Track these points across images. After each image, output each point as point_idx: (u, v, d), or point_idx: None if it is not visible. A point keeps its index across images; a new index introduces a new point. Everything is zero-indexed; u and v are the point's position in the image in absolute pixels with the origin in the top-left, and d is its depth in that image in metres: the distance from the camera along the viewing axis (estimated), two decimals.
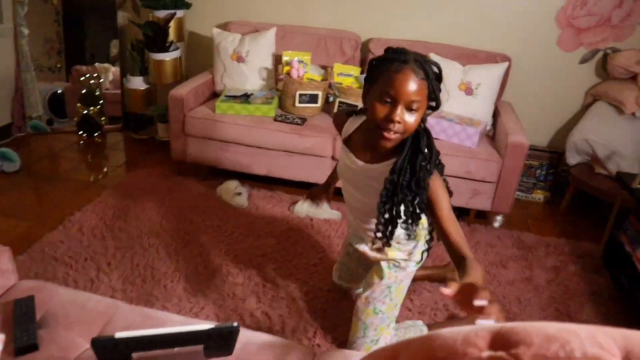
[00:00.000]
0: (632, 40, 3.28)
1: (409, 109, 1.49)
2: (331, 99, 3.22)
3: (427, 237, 1.79)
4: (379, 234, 1.66)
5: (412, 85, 1.46)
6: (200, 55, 3.90)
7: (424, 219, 1.81)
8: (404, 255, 1.92)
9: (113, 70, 4.01)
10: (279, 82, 3.20)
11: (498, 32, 3.42)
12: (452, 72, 3.18)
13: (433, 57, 3.25)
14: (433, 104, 1.55)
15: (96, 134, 3.96)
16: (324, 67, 3.44)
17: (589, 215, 3.37)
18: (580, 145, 3.17)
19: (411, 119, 1.50)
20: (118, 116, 4.10)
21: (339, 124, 1.88)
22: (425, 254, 1.85)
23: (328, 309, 2.33)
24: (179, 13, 3.61)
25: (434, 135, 2.84)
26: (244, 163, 3.23)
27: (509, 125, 3.01)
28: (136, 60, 3.71)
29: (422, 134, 1.57)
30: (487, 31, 3.43)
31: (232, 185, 3.23)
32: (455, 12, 3.44)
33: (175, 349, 1.22)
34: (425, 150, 1.56)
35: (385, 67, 1.52)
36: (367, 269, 2.11)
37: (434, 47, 3.36)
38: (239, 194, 3.21)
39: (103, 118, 3.99)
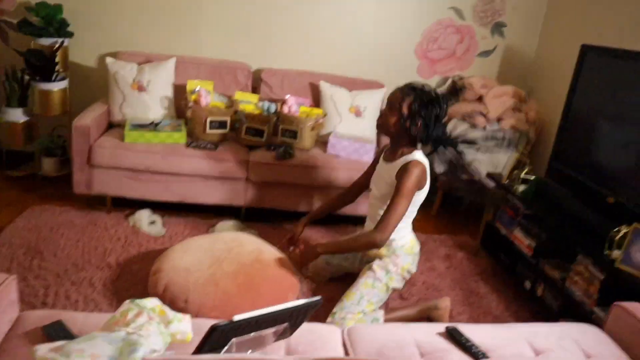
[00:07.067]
0: (472, 69, 4.09)
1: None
2: (237, 125, 3.42)
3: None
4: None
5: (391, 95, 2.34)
6: (83, 86, 3.79)
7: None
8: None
9: None
10: (187, 109, 3.31)
11: (370, 62, 3.98)
12: (342, 97, 3.62)
13: (322, 84, 3.67)
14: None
15: None
16: (223, 95, 3.62)
17: (454, 213, 4.07)
18: (446, 156, 3.83)
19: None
20: None
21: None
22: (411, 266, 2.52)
23: None
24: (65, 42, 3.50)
25: (335, 153, 3.26)
26: (156, 191, 3.26)
27: None
28: (14, 90, 3.47)
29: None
30: (362, 62, 3.97)
31: (145, 214, 3.24)
32: (334, 45, 3.92)
33: (269, 330, 1.38)
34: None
35: None
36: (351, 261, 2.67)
37: (321, 76, 3.78)
38: (153, 222, 3.23)
39: None
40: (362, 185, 2.79)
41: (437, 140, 2.41)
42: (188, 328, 1.47)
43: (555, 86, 3.79)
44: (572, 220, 2.77)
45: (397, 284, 2.49)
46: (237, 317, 1.24)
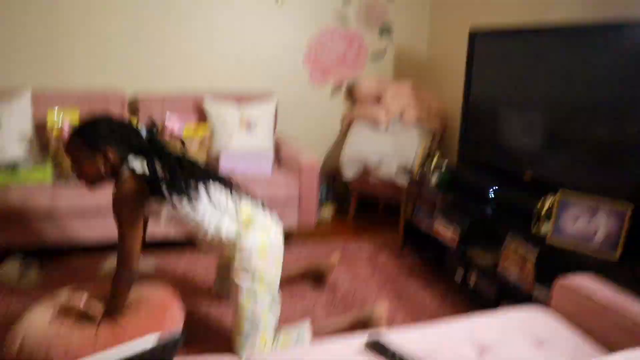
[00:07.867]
0: (365, 72, 3.93)
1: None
2: None
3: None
4: None
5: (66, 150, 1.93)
6: None
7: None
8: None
9: None
10: (50, 145, 2.85)
11: (261, 74, 3.71)
12: (230, 112, 3.30)
13: (208, 102, 3.35)
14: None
15: None
16: None
17: (370, 216, 3.85)
18: (354, 160, 3.57)
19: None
20: None
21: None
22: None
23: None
24: None
25: (229, 167, 2.94)
26: (24, 236, 2.74)
27: (295, 150, 3.25)
28: None
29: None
30: (251, 74, 3.69)
31: (13, 265, 2.70)
32: (217, 61, 3.62)
33: None
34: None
35: None
36: None
37: (205, 94, 3.45)
38: (25, 274, 2.69)
39: None
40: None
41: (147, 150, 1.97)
42: None
43: (452, 75, 3.69)
44: (491, 202, 2.56)
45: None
46: None
